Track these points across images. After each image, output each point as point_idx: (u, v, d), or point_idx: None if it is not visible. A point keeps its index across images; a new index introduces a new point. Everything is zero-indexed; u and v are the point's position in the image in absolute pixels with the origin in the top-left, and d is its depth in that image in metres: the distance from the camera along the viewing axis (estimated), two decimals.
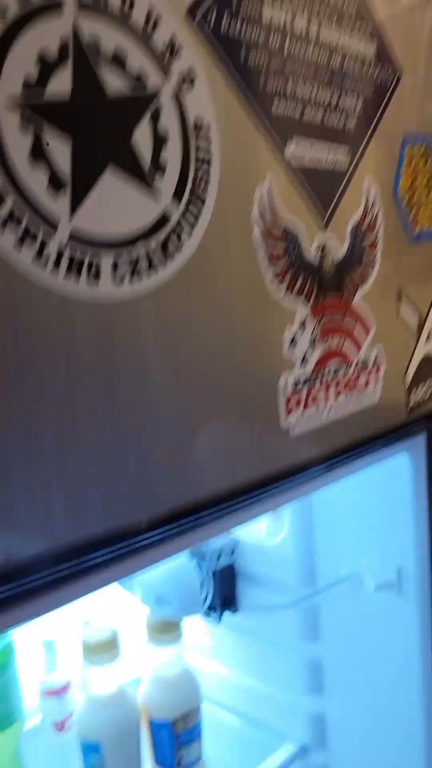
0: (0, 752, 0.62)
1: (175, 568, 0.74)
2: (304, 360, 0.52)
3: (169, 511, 0.43)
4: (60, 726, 0.88)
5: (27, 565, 0.35)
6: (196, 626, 0.91)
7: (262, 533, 0.83)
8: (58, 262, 0.35)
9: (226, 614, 0.88)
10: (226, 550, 0.80)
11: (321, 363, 0.53)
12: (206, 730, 0.80)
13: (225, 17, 0.43)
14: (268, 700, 0.86)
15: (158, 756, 0.76)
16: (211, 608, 0.87)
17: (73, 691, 0.90)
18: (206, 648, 0.91)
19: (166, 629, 0.76)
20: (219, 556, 0.79)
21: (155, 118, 0.39)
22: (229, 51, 0.43)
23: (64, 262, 0.36)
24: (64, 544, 0.37)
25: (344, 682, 0.79)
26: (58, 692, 0.88)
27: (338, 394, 0.55)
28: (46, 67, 0.34)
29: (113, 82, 0.37)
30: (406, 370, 0.65)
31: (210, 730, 0.81)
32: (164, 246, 0.41)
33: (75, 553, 0.38)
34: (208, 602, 0.80)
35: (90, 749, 0.72)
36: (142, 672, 0.79)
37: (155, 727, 0.75)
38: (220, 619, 0.86)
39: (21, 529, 0.35)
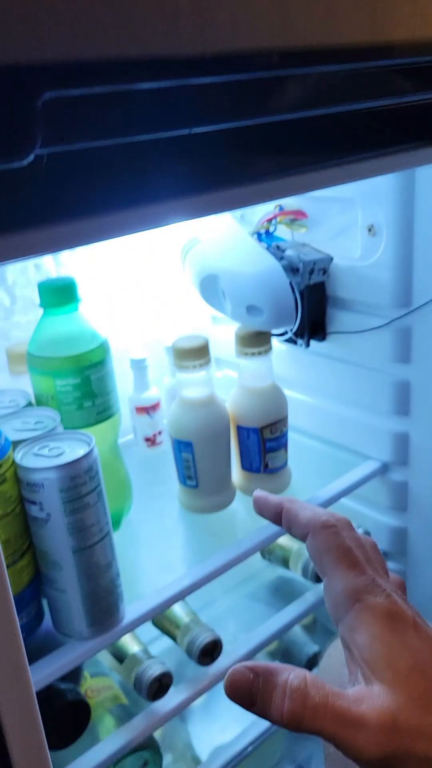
0: (101, 441, 0.65)
1: (268, 274, 0.72)
2: None
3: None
4: (151, 441, 0.94)
5: None
6: (281, 356, 0.92)
7: (357, 254, 0.79)
8: None
9: (313, 342, 0.87)
10: (318, 265, 0.77)
11: None
12: (291, 454, 0.83)
13: None
14: (353, 424, 0.88)
15: (245, 460, 0.81)
16: (298, 334, 0.86)
17: (162, 410, 0.95)
18: (291, 377, 0.93)
19: (256, 340, 0.76)
20: (311, 272, 0.76)
21: None
22: None
23: None
24: None
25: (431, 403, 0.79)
26: (148, 410, 0.92)
27: None
28: None
29: None
30: None
31: (294, 453, 0.84)
32: None
33: None
34: (299, 318, 0.79)
35: (183, 447, 0.76)
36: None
37: (244, 433, 0.78)
38: (308, 344, 0.86)
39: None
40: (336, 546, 0.38)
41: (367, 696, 0.31)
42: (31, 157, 0.25)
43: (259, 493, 0.45)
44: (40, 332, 0.69)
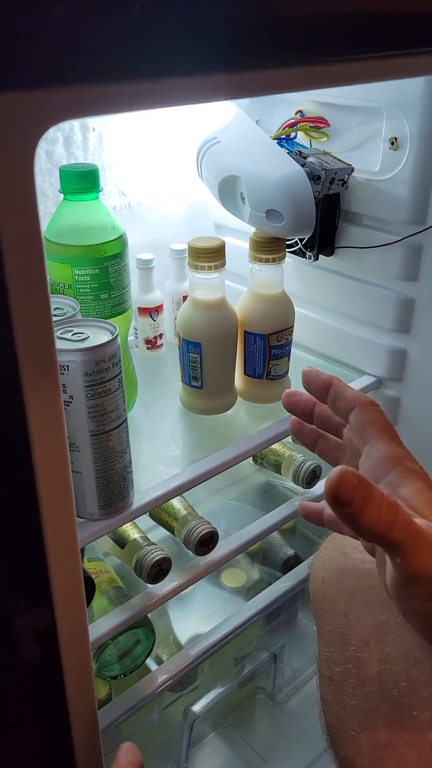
0: None
1: (292, 179, 0.72)
2: None
3: None
4: (152, 343, 0.95)
5: None
6: (286, 268, 0.92)
7: (376, 167, 0.79)
8: None
9: (321, 256, 0.88)
10: (339, 175, 0.77)
11: None
12: (290, 365, 0.85)
13: None
14: (352, 339, 0.90)
15: (249, 366, 0.82)
16: (307, 246, 0.87)
17: (164, 315, 0.95)
18: (294, 290, 0.93)
19: (271, 247, 0.76)
20: (332, 181, 0.76)
21: None
22: None
23: None
24: None
25: None
26: (151, 311, 0.93)
27: None
28: None
29: None
30: None
31: (293, 365, 0.85)
32: None
33: None
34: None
35: (191, 348, 0.77)
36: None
37: (250, 338, 0.80)
38: (317, 257, 0.87)
39: None
40: (381, 420, 0.43)
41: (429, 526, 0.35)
42: None
43: (310, 368, 0.49)
44: (60, 218, 0.68)
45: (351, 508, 0.33)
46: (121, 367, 0.59)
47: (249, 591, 0.97)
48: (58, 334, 0.59)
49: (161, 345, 0.95)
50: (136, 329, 0.94)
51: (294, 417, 0.53)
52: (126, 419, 0.62)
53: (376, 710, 0.45)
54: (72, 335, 0.59)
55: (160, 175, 0.96)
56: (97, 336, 0.58)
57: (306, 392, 0.50)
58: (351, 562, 0.55)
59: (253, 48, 0.34)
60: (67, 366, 0.56)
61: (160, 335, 0.95)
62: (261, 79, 0.37)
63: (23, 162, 0.28)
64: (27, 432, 0.36)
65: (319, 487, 0.89)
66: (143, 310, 0.92)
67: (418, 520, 0.35)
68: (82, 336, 0.58)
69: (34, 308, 0.33)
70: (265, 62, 0.35)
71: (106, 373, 0.58)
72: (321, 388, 0.47)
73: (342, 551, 0.57)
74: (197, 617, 0.97)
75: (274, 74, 0.37)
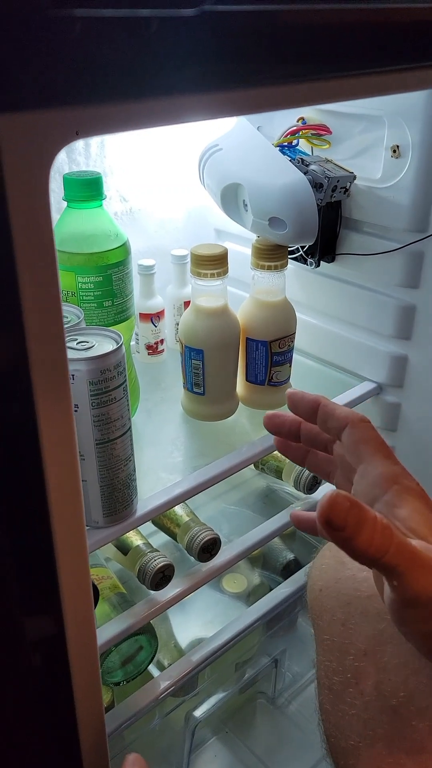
0: None
1: (295, 187, 0.72)
2: None
3: None
4: (153, 349, 0.95)
5: None
6: (288, 275, 0.92)
7: (377, 175, 0.79)
8: None
9: (322, 263, 0.88)
10: (342, 183, 0.77)
11: None
12: (292, 371, 0.85)
13: None
14: (353, 346, 0.91)
15: (251, 373, 0.82)
16: (309, 253, 0.87)
17: (165, 321, 0.95)
18: (296, 296, 0.94)
19: (274, 254, 0.76)
20: (334, 189, 0.76)
21: None
22: None
23: None
24: None
25: None
26: (152, 317, 0.93)
27: None
28: None
29: None
30: None
31: (294, 371, 0.86)
32: None
33: None
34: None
35: (193, 355, 0.77)
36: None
37: (252, 345, 0.80)
38: (318, 264, 0.87)
39: None
40: (374, 438, 0.43)
41: (426, 548, 0.35)
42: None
43: (294, 390, 0.48)
44: (63, 226, 0.68)
45: (344, 533, 0.33)
46: (125, 376, 0.59)
47: (249, 596, 0.98)
48: None
49: (162, 350, 0.95)
50: (137, 335, 0.94)
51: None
52: (130, 427, 0.62)
53: (375, 720, 0.45)
54: (77, 344, 0.59)
55: (161, 182, 0.96)
56: (101, 345, 0.59)
57: (288, 413, 0.49)
58: (348, 571, 0.55)
59: (264, 65, 0.34)
60: (73, 375, 0.56)
61: (162, 341, 0.95)
62: (268, 95, 0.37)
63: (39, 181, 0.28)
64: (38, 441, 0.37)
65: (320, 493, 0.89)
66: (144, 316, 0.92)
67: (416, 542, 0.35)
68: (87, 345, 0.58)
69: (47, 321, 0.34)
70: (273, 79, 0.36)
71: (111, 382, 0.58)
72: (309, 408, 0.46)
73: (339, 560, 0.57)
74: (198, 622, 0.97)
75: (280, 91, 0.38)
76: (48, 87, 0.26)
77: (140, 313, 0.91)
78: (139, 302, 0.91)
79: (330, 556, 0.58)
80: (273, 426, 0.50)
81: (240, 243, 0.95)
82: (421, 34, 0.46)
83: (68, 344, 0.58)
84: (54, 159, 0.28)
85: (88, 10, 0.23)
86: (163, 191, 0.97)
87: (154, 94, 0.29)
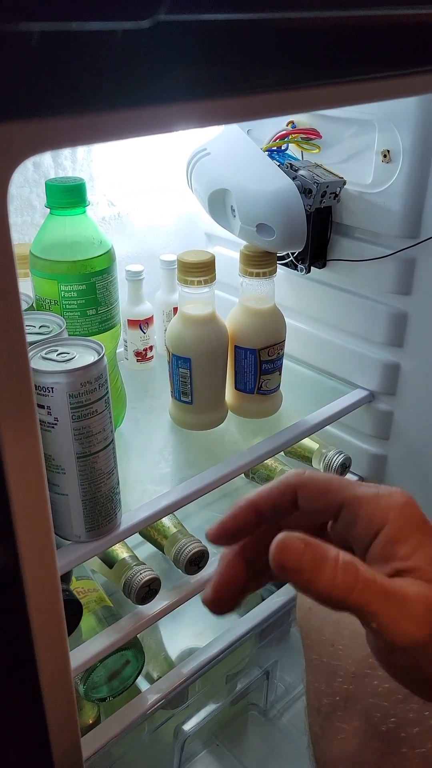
0: None
1: (283, 194, 0.71)
2: None
3: None
4: (142, 356, 0.94)
5: None
6: (278, 281, 0.91)
7: (368, 180, 0.78)
8: None
9: (312, 269, 0.87)
10: (331, 188, 0.76)
11: None
12: (282, 378, 0.83)
13: None
14: (345, 353, 0.89)
15: (240, 381, 0.81)
16: (299, 259, 0.86)
17: (155, 327, 0.94)
18: (287, 302, 0.92)
19: (262, 261, 0.75)
20: (324, 195, 0.75)
21: None
22: None
23: None
24: None
25: (426, 336, 0.80)
26: (141, 324, 0.91)
27: None
28: None
29: None
30: None
31: (285, 378, 0.84)
32: None
33: None
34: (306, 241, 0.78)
35: (180, 363, 0.76)
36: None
37: (241, 353, 0.78)
38: (308, 270, 0.85)
39: None
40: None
41: (409, 583, 0.31)
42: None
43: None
44: (46, 233, 0.67)
45: (302, 576, 0.29)
46: (107, 388, 0.58)
47: (241, 605, 0.96)
48: (42, 354, 0.57)
49: (151, 357, 0.94)
50: (125, 341, 0.92)
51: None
52: (113, 440, 0.60)
53: (365, 746, 0.44)
54: (57, 355, 0.57)
55: (149, 185, 0.95)
56: (83, 356, 0.57)
57: (234, 518, 0.36)
58: None
59: (247, 73, 0.33)
60: (52, 388, 0.55)
61: (151, 347, 0.93)
62: (253, 103, 0.36)
63: None
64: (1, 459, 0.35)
65: None
66: (133, 323, 0.90)
67: (399, 580, 0.31)
68: (68, 356, 0.57)
69: (6, 336, 0.32)
70: (258, 87, 0.34)
71: (92, 395, 0.56)
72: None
73: None
74: (189, 633, 0.95)
75: (264, 99, 0.36)
76: (1, 102, 0.24)
77: (128, 320, 0.90)
78: (126, 308, 0.89)
79: None
80: (226, 538, 0.37)
81: (231, 248, 0.94)
82: (411, 39, 0.45)
83: (48, 356, 0.57)
84: (12, 174, 0.27)
85: (40, 24, 0.22)
86: (152, 195, 0.96)
87: (118, 106, 0.28)
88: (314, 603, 0.53)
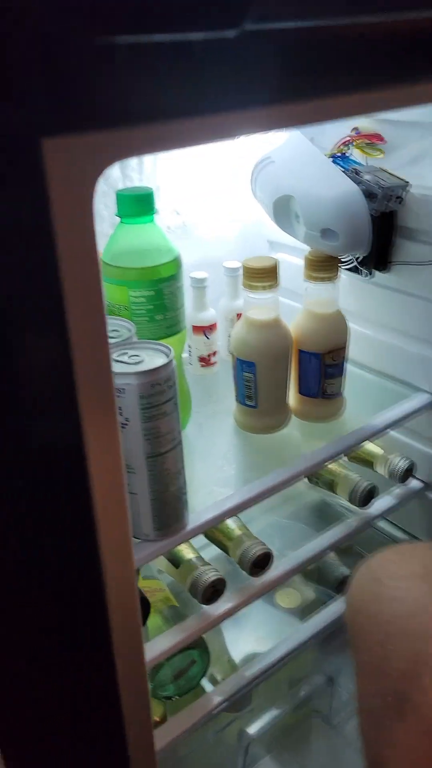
0: None
1: (348, 199, 0.71)
2: None
3: None
4: (206, 361, 0.95)
5: None
6: (341, 285, 0.91)
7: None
8: None
9: (376, 273, 0.87)
10: (396, 192, 0.75)
11: None
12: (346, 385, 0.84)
13: None
14: (407, 356, 0.89)
15: (303, 385, 0.81)
16: (362, 263, 0.86)
17: (218, 333, 0.95)
18: (348, 306, 0.92)
19: (326, 266, 0.75)
20: (388, 199, 0.75)
21: None
22: None
23: None
24: None
25: None
26: (205, 330, 0.93)
27: None
28: None
29: None
30: None
31: (347, 382, 0.84)
32: None
33: None
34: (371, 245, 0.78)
35: (245, 367, 0.77)
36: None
37: (305, 357, 0.79)
38: (371, 273, 0.85)
39: None
40: None
41: None
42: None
43: None
44: (116, 241, 0.69)
45: None
46: (176, 390, 0.59)
47: (304, 610, 0.96)
48: (114, 356, 0.59)
49: (215, 362, 0.95)
50: (190, 347, 0.94)
51: None
52: (180, 441, 0.62)
53: (416, 746, 0.43)
54: (128, 358, 0.59)
55: (214, 195, 0.97)
56: (152, 359, 0.59)
57: None
58: (386, 590, 0.52)
59: (315, 77, 0.34)
60: (123, 389, 0.57)
61: (214, 353, 0.95)
62: (329, 106, 0.37)
63: (83, 202, 0.28)
64: (84, 455, 0.37)
65: (375, 507, 0.87)
66: (197, 329, 0.92)
67: None
68: (138, 359, 0.59)
69: (92, 336, 0.34)
70: (325, 91, 0.35)
71: (161, 396, 0.58)
72: None
73: (375, 577, 0.55)
74: (252, 637, 0.96)
75: (335, 102, 0.37)
76: (87, 110, 0.26)
77: (193, 326, 0.92)
78: (191, 315, 0.91)
79: (366, 574, 0.56)
80: None
81: (294, 254, 0.94)
82: None
83: (119, 358, 0.59)
84: (98, 180, 0.29)
85: (128, 37, 0.24)
86: (217, 204, 0.98)
87: (190, 115, 0.29)
88: (363, 605, 0.53)
